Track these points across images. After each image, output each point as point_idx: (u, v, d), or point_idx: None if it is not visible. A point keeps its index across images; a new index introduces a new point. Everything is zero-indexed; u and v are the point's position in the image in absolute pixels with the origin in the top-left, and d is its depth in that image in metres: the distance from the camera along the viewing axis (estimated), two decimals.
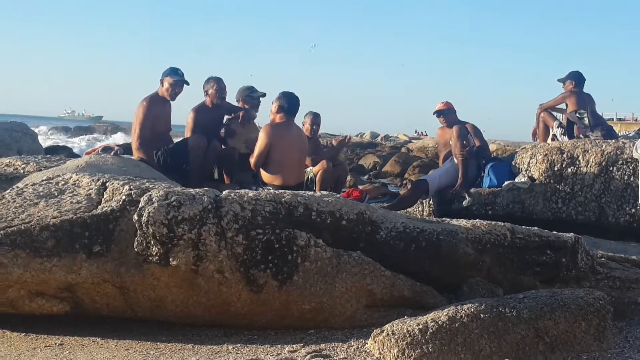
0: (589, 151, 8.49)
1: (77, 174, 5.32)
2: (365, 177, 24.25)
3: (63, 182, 5.20)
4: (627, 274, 5.63)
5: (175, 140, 8.90)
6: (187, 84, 8.55)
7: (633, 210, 8.11)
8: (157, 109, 8.37)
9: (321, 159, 8.98)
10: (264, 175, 8.23)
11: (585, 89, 10.78)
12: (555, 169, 8.56)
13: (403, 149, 36.80)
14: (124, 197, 4.68)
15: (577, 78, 10.72)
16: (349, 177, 14.79)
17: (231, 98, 9.29)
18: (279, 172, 8.15)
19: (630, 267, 5.99)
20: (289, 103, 8.32)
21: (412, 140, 46.45)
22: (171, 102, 8.54)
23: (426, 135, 54.54)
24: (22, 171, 6.44)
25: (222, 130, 8.88)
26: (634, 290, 5.32)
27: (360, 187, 11.63)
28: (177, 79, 8.40)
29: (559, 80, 10.91)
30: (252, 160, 8.21)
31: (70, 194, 4.96)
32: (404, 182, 20.05)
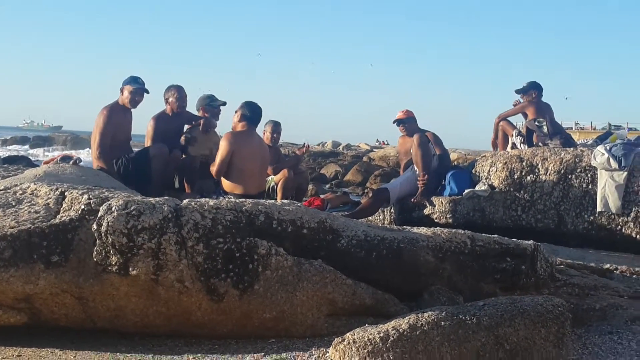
0: (548, 159, 8.58)
1: (35, 184, 5.26)
2: (327, 186, 24.25)
3: (21, 192, 5.14)
4: (585, 281, 5.69)
5: (135, 149, 8.85)
6: (147, 92, 8.51)
7: (591, 217, 8.20)
8: (117, 117, 8.32)
9: (282, 167, 9.00)
10: (226, 183, 8.22)
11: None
12: (515, 177, 8.63)
13: (365, 158, 36.84)
14: (82, 207, 4.64)
15: (538, 88, 10.88)
16: (310, 186, 14.82)
17: (191, 107, 9.28)
18: (240, 181, 8.15)
19: (589, 274, 6.05)
20: (251, 112, 8.34)
21: (374, 150, 46.53)
22: (132, 110, 8.50)
23: (388, 144, 54.72)
24: None
25: (182, 138, 8.85)
26: (593, 297, 5.38)
27: (322, 196, 11.67)
28: (137, 87, 8.37)
29: (517, 92, 11.04)
30: (214, 168, 8.19)
31: (28, 204, 4.90)
32: (366, 190, 20.08)
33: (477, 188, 8.79)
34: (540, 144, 9.83)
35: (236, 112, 8.42)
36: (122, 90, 8.39)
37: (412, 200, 9.02)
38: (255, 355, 4.32)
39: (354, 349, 3.94)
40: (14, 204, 4.92)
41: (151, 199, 4.63)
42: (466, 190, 8.81)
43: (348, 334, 4.05)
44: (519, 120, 11.67)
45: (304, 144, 11.27)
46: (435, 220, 8.72)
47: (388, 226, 7.16)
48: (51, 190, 5.00)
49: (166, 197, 4.72)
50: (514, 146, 10.46)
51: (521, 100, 11.12)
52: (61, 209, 4.76)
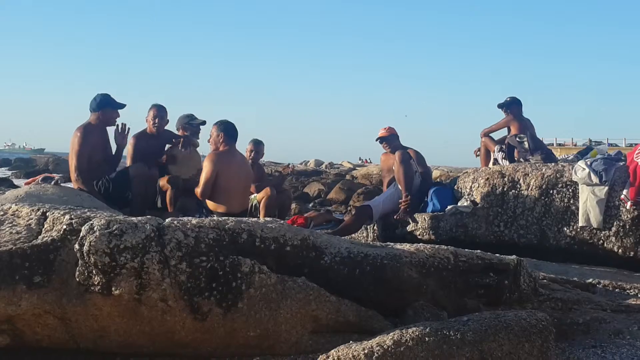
0: (530, 174, 8.62)
1: (16, 204, 5.22)
2: (310, 204, 24.24)
3: (2, 213, 5.11)
4: (568, 295, 5.71)
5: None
6: (123, 106, 8.50)
7: (573, 232, 8.23)
8: (92, 138, 8.25)
9: (265, 186, 9.01)
10: (209, 202, 8.22)
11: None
12: (497, 192, 8.67)
13: (347, 176, 36.91)
14: (64, 227, 4.61)
15: (519, 103, 10.99)
16: (293, 205, 14.82)
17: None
18: (223, 200, 8.16)
19: (572, 289, 6.08)
20: (227, 129, 8.37)
21: (357, 168, 46.65)
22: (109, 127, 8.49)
23: (370, 162, 54.87)
24: None
25: (164, 157, 8.85)
26: (576, 311, 5.40)
27: (305, 214, 11.67)
28: (116, 109, 8.39)
29: (499, 106, 11.11)
30: (199, 189, 8.20)
31: (10, 225, 4.86)
32: (349, 208, 20.09)
33: (459, 204, 8.82)
34: (521, 159, 9.88)
35: (212, 131, 8.44)
36: (97, 113, 8.31)
37: (395, 217, 9.04)
38: None
39: None
40: None
41: (133, 218, 4.61)
42: (449, 207, 8.84)
43: (332, 351, 4.05)
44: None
45: (289, 164, 11.28)
46: (419, 237, 8.73)
47: (371, 243, 7.17)
48: (33, 210, 4.97)
49: (148, 216, 4.69)
50: (495, 162, 10.51)
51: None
52: (43, 229, 4.72)
